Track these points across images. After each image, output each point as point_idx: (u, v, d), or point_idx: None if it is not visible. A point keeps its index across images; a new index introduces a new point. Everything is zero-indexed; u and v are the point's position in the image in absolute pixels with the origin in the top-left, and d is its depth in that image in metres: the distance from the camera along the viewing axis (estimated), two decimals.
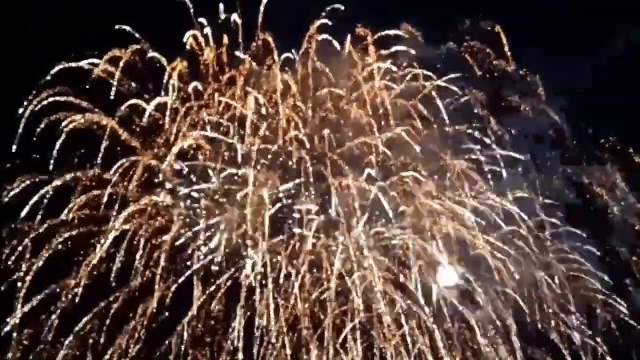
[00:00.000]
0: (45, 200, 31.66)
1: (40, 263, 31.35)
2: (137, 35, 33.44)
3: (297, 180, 32.99)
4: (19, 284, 31.44)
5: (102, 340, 31.70)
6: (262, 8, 34.89)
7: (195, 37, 34.66)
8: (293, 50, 35.07)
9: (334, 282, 32.18)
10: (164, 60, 33.72)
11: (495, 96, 36.53)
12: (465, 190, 34.28)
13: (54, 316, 31.28)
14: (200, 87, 33.98)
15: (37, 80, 32.26)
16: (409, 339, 32.48)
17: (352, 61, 35.54)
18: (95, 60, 32.86)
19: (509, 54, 37.56)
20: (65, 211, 31.59)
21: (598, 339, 34.81)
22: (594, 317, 35.25)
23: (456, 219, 33.82)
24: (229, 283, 32.24)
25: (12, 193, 31.70)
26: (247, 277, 31.86)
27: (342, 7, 35.18)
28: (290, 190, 33.16)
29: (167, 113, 33.31)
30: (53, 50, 32.44)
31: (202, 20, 34.45)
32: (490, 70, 37.47)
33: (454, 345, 33.01)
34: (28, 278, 31.30)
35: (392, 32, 36.08)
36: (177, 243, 32.22)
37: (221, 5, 35.02)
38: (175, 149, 32.44)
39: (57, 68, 32.43)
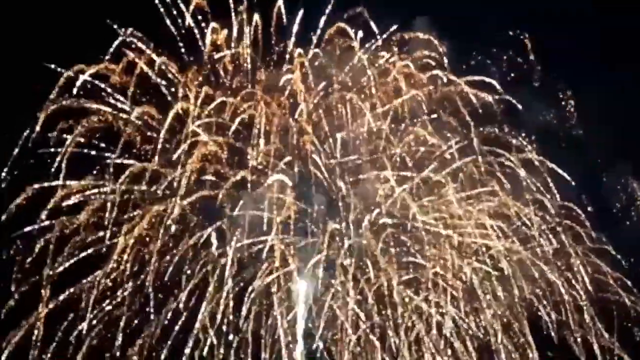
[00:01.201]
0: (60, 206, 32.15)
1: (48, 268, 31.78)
2: (152, 43, 33.66)
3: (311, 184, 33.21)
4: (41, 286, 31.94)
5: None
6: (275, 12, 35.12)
7: (213, 41, 34.85)
8: (309, 53, 35.08)
9: (350, 287, 32.41)
10: (173, 68, 33.94)
11: (514, 99, 36.11)
12: (483, 194, 34.20)
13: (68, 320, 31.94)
14: (215, 93, 34.06)
15: (52, 86, 32.72)
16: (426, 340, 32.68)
17: (370, 64, 35.53)
18: (111, 66, 33.21)
19: (532, 57, 37.41)
20: (80, 216, 32.05)
21: (617, 343, 34.45)
22: (613, 320, 34.86)
23: (474, 221, 33.78)
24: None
25: (24, 198, 32.19)
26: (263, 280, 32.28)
27: (364, 10, 35.24)
28: (305, 194, 33.32)
29: (189, 118, 33.45)
30: (67, 55, 32.85)
31: (216, 25, 34.52)
32: (512, 75, 37.30)
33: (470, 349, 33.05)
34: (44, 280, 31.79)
35: (414, 34, 35.99)
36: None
37: (241, 7, 35.29)
38: (194, 157, 32.77)
39: (67, 73, 32.79)
